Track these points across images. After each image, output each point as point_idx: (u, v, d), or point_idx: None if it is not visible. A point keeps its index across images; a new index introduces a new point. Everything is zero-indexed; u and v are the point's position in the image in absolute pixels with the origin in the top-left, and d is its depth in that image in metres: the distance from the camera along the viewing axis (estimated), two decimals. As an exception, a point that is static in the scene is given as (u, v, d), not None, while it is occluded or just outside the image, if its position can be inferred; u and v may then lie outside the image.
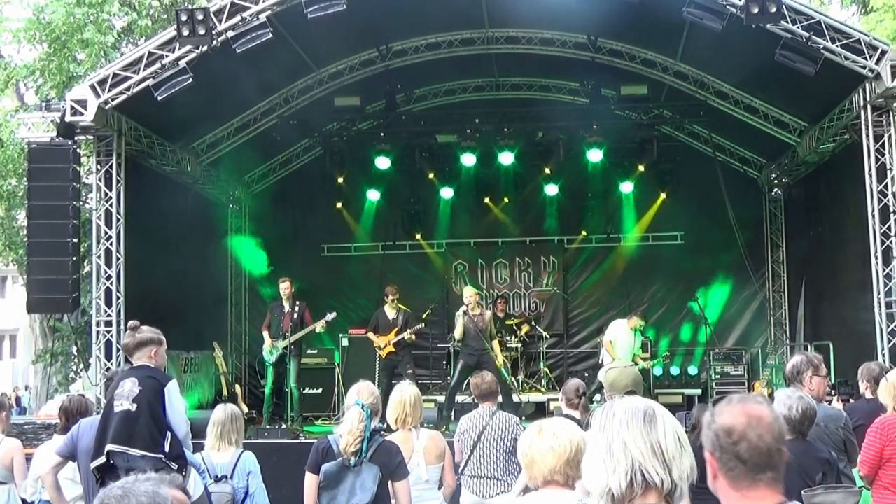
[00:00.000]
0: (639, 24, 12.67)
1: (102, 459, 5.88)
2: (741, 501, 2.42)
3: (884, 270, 11.10)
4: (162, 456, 5.87)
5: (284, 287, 12.83)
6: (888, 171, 11.17)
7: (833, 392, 9.35)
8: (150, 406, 5.96)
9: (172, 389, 6.09)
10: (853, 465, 5.87)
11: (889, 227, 11.11)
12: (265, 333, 12.84)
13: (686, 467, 2.34)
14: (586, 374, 15.14)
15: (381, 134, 15.58)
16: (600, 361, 14.08)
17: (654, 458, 2.31)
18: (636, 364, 13.11)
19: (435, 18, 13.98)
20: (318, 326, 12.69)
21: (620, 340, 13.44)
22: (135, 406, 5.93)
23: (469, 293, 12.36)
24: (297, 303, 12.75)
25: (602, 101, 15.11)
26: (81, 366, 20.46)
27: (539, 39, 14.60)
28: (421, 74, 15.53)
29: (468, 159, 15.48)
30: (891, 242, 11.09)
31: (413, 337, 13.11)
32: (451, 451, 6.78)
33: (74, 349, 20.82)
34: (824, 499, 4.75)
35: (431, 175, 16.07)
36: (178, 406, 6.12)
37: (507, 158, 15.43)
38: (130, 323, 6.34)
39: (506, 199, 16.93)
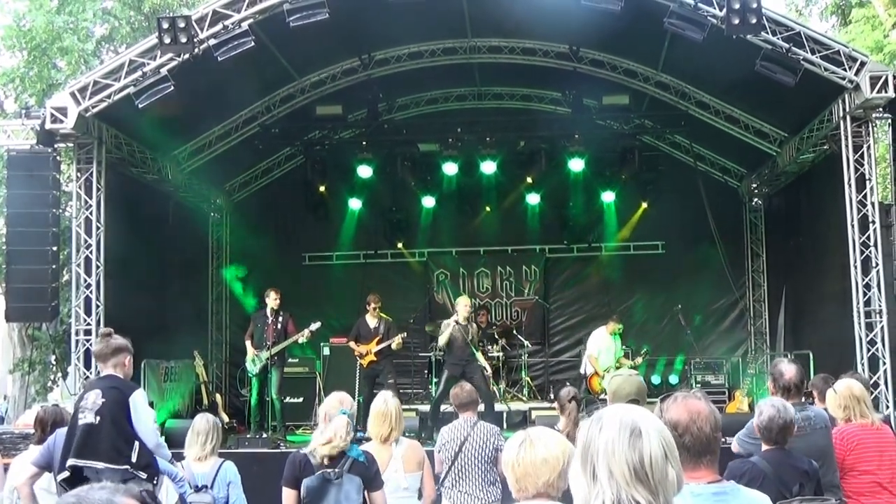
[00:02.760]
0: (620, 34, 12.70)
1: (66, 474, 5.83)
2: (685, 480, 2.71)
3: (863, 280, 11.16)
4: (128, 467, 5.80)
5: (273, 298, 12.72)
6: (867, 182, 11.25)
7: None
8: (114, 417, 5.89)
9: (138, 399, 6.02)
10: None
11: (868, 237, 11.18)
12: (248, 343, 12.78)
13: (673, 485, 2.27)
14: (568, 382, 15.14)
15: (363, 143, 15.56)
16: (582, 371, 14.13)
17: (640, 483, 2.20)
18: (619, 367, 13.19)
19: (417, 28, 13.97)
20: (302, 337, 12.60)
21: (603, 349, 13.53)
22: (98, 419, 5.86)
23: (464, 303, 12.29)
24: (281, 313, 12.68)
25: (584, 111, 15.16)
26: (59, 375, 20.30)
27: (521, 49, 14.63)
28: (403, 83, 15.52)
29: (450, 168, 15.46)
30: (870, 252, 11.17)
31: (400, 343, 13.04)
32: (432, 462, 6.76)
33: (53, 358, 20.65)
34: None
35: (413, 184, 16.04)
36: (144, 416, 6.06)
37: (489, 167, 15.44)
38: (103, 330, 6.28)
39: (487, 209, 16.94)
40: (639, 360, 13.93)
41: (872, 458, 5.71)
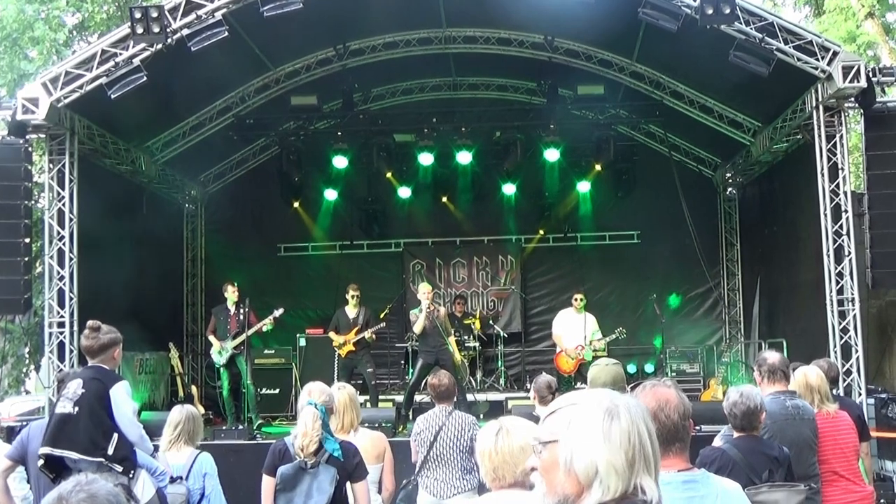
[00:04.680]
0: (595, 24, 12.72)
1: (41, 462, 5.81)
2: None
3: (836, 269, 11.24)
4: (102, 459, 5.77)
5: (232, 291, 12.93)
6: (840, 171, 11.32)
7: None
8: (91, 408, 5.85)
9: (118, 392, 5.97)
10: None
11: (841, 226, 11.26)
12: (211, 337, 12.90)
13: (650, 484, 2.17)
14: (544, 372, 15.17)
15: (339, 133, 15.52)
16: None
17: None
18: (594, 346, 13.42)
19: (392, 17, 13.93)
20: (265, 324, 12.74)
21: (568, 329, 13.71)
22: (76, 409, 5.83)
23: (426, 289, 12.37)
24: (242, 305, 12.80)
25: (559, 101, 15.18)
26: (32, 367, 20.17)
27: (496, 39, 14.63)
28: (378, 73, 15.48)
29: (426, 158, 15.46)
30: (842, 241, 11.25)
31: (373, 337, 13.13)
32: (397, 454, 6.77)
33: (26, 350, 20.49)
34: (767, 497, 4.78)
35: (389, 174, 16.02)
36: (124, 408, 6.01)
37: (464, 158, 15.44)
38: (91, 323, 6.18)
39: (463, 199, 16.90)
40: (601, 340, 13.80)
41: (826, 447, 5.78)
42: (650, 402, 3.05)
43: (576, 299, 13.96)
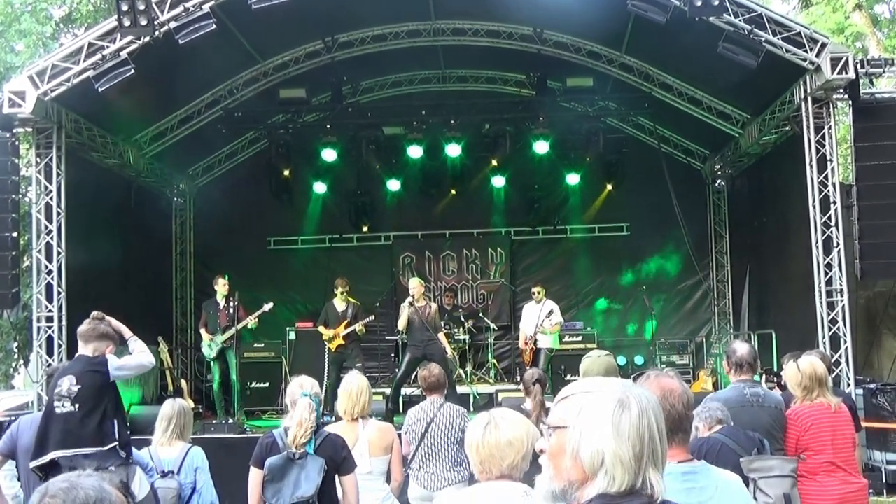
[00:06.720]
0: (584, 16, 12.71)
1: (44, 460, 5.79)
2: None
3: (824, 260, 11.29)
4: (115, 444, 5.86)
5: (222, 285, 12.99)
6: (828, 163, 11.36)
7: (775, 379, 9.50)
8: (93, 402, 5.90)
9: (112, 360, 6.17)
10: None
11: (829, 218, 11.30)
12: (202, 331, 12.93)
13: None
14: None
15: (328, 126, 15.47)
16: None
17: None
18: (541, 333, 13.79)
19: (381, 10, 13.92)
20: (252, 320, 12.78)
21: (526, 321, 14.28)
22: (76, 406, 5.83)
23: (414, 284, 12.40)
24: (232, 299, 12.86)
25: (548, 93, 15.19)
26: (21, 362, 20.10)
27: (485, 31, 14.61)
28: (367, 66, 15.45)
29: (415, 151, 15.43)
30: (831, 232, 11.29)
31: (364, 329, 13.13)
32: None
33: (15, 345, 20.42)
34: (762, 464, 4.88)
35: (378, 167, 15.99)
36: (124, 361, 6.29)
37: (453, 150, 15.41)
38: (95, 313, 6.27)
39: (453, 191, 16.90)
40: (553, 325, 13.95)
41: (826, 439, 5.82)
42: (655, 391, 3.04)
43: (533, 292, 14.49)
